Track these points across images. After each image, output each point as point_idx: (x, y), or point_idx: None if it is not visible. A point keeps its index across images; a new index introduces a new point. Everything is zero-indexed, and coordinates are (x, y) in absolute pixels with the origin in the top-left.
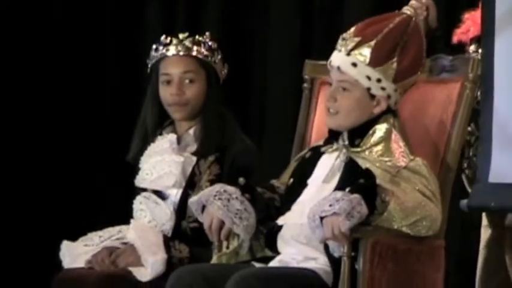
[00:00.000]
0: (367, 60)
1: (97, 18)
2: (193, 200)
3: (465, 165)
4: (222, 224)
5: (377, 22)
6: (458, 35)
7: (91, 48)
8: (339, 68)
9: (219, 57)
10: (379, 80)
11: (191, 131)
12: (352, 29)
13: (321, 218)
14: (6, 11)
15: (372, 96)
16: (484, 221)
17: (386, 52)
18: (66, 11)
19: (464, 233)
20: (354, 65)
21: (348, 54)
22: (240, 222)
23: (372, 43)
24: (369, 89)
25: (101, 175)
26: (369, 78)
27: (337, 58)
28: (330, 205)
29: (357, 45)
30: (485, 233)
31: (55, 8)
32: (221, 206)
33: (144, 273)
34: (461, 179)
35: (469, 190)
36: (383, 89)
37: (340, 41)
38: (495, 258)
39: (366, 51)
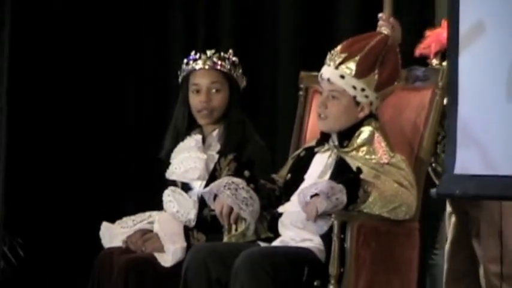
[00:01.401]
0: (353, 72)
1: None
2: (205, 190)
3: (432, 159)
4: (231, 210)
5: (360, 40)
6: (420, 50)
7: (128, 55)
8: (329, 79)
9: (240, 71)
10: (363, 89)
11: (215, 133)
12: (339, 47)
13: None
14: (40, 13)
15: (357, 103)
16: (448, 208)
17: (369, 66)
18: (91, 17)
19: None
20: (342, 77)
21: (337, 68)
22: (246, 208)
23: (357, 58)
24: (354, 97)
25: (133, 169)
26: (354, 88)
27: (327, 71)
28: (316, 188)
29: (344, 60)
30: (449, 218)
31: (70, 11)
32: (230, 194)
33: (166, 259)
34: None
35: (435, 180)
36: (366, 96)
37: (328, 57)
38: (461, 238)
39: (351, 65)
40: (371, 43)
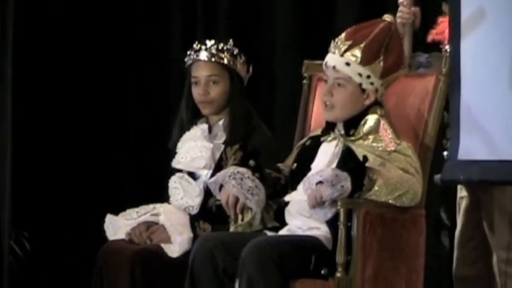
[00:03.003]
0: (359, 60)
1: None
2: (211, 180)
3: (448, 144)
4: (237, 199)
5: (364, 28)
6: (433, 35)
7: (126, 52)
8: (334, 67)
9: (241, 60)
10: (368, 76)
11: (220, 123)
12: (343, 35)
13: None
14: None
15: (363, 91)
16: (460, 192)
17: (374, 53)
18: (95, 19)
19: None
20: (347, 64)
21: (342, 55)
22: (252, 197)
23: (362, 45)
24: (360, 84)
25: (138, 161)
26: (360, 75)
27: (332, 59)
28: (320, 176)
29: (349, 48)
30: (461, 203)
31: (80, 15)
32: (235, 184)
33: (173, 250)
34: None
35: None
36: (372, 83)
37: (332, 45)
38: (472, 223)
39: (357, 52)
40: (375, 30)
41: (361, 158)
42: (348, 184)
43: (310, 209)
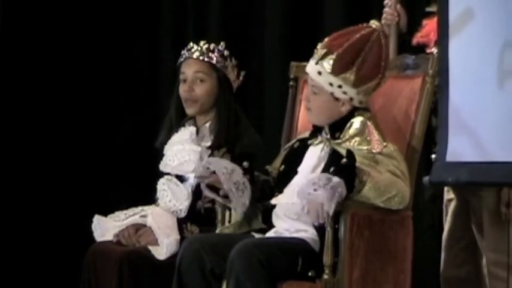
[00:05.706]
0: (329, 69)
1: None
2: (203, 163)
3: (437, 148)
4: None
5: (343, 35)
6: (418, 38)
7: (118, 51)
8: (309, 75)
9: (232, 63)
10: (340, 86)
11: (207, 125)
12: (325, 40)
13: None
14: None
15: (337, 99)
16: (447, 195)
17: (347, 63)
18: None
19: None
20: (319, 73)
21: (316, 63)
22: (236, 192)
23: (334, 55)
24: (332, 93)
25: (126, 162)
26: (331, 84)
27: (309, 66)
28: (315, 189)
29: (323, 56)
30: (448, 206)
31: (76, 14)
32: (225, 173)
33: (161, 252)
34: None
35: None
36: (345, 93)
37: (315, 50)
38: (460, 226)
39: (329, 62)
40: (351, 39)
41: (345, 156)
42: (343, 190)
43: (302, 212)
